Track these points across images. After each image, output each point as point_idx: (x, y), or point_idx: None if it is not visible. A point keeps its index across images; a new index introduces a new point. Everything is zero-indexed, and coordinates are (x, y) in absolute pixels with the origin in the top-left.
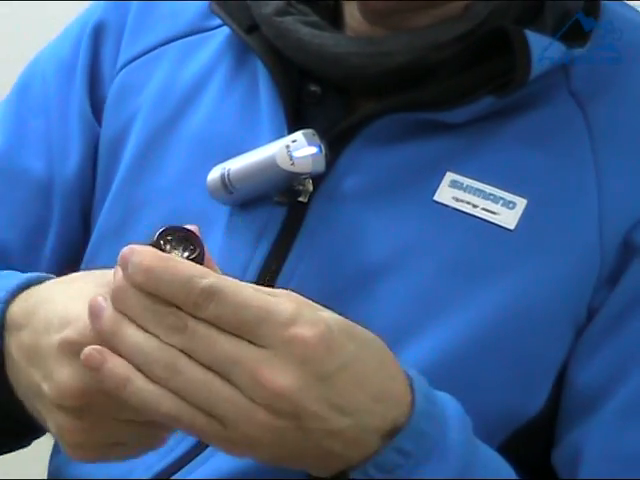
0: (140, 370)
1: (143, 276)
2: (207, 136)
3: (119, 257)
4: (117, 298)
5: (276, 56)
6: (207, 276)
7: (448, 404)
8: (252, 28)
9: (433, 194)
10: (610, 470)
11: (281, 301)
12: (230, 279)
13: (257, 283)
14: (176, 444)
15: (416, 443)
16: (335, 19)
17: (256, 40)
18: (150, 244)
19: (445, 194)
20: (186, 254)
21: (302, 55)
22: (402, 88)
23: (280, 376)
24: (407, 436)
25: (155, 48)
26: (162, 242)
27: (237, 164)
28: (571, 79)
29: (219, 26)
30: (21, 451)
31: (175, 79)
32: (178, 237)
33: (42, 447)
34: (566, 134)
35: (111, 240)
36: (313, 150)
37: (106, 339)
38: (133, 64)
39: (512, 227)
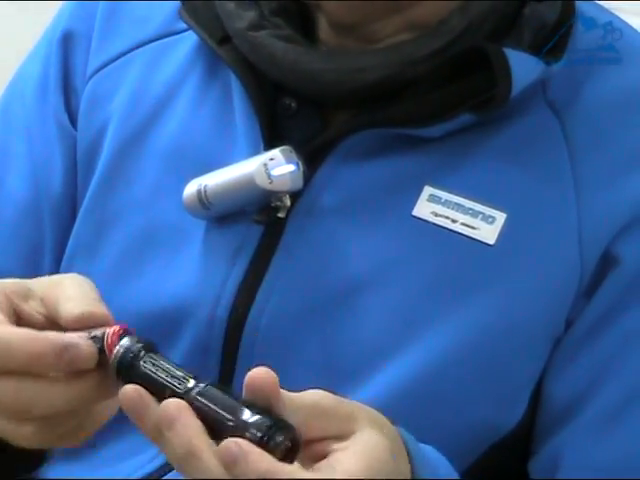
0: None
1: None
2: (180, 147)
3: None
4: None
5: (249, 69)
6: None
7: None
8: (223, 39)
9: (412, 209)
10: None
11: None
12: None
13: (236, 299)
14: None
15: None
16: (309, 30)
17: (229, 52)
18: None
19: (424, 209)
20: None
21: (276, 70)
22: (378, 102)
23: None
24: None
25: (124, 54)
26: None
27: (214, 180)
28: (548, 88)
29: (189, 29)
30: None
31: (146, 86)
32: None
33: None
34: (544, 145)
35: (84, 254)
36: (291, 168)
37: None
38: (103, 71)
39: (492, 242)
